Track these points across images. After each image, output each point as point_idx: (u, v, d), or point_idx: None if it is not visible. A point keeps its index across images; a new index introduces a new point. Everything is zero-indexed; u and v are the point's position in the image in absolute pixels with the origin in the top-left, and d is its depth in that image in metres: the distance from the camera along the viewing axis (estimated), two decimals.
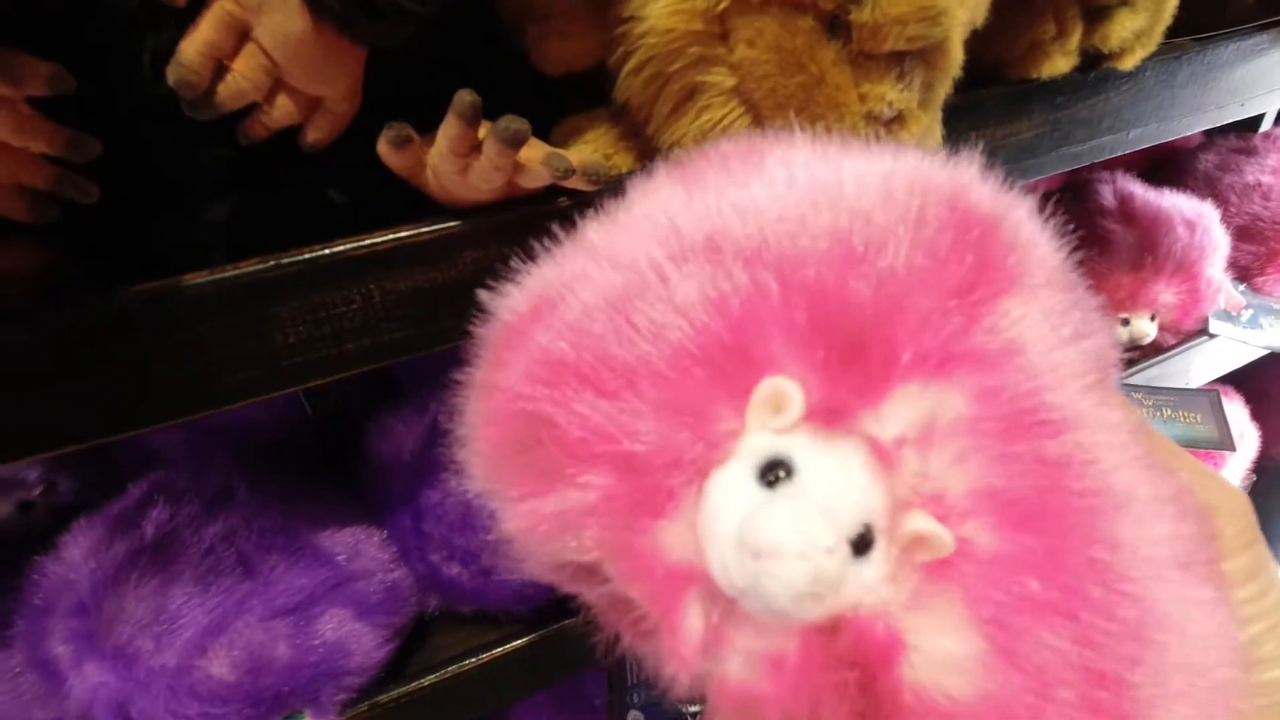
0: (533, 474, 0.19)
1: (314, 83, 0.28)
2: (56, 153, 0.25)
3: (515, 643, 0.50)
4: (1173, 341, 0.71)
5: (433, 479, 0.48)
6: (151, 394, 0.31)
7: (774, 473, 0.17)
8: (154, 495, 0.45)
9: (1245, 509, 0.23)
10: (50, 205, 0.27)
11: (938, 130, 0.39)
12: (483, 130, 0.30)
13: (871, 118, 0.33)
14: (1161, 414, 0.61)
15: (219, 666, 0.41)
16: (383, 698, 0.47)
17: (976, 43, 0.42)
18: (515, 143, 0.29)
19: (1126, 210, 0.70)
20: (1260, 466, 0.91)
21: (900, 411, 0.18)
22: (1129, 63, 0.46)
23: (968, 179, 0.20)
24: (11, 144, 0.25)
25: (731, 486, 0.18)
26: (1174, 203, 0.71)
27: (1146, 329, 0.68)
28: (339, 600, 0.45)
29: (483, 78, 0.35)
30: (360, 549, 0.47)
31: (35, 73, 0.24)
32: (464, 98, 0.28)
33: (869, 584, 0.17)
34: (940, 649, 0.17)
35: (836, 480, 0.17)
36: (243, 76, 0.26)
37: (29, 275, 0.29)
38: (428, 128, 0.31)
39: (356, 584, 0.46)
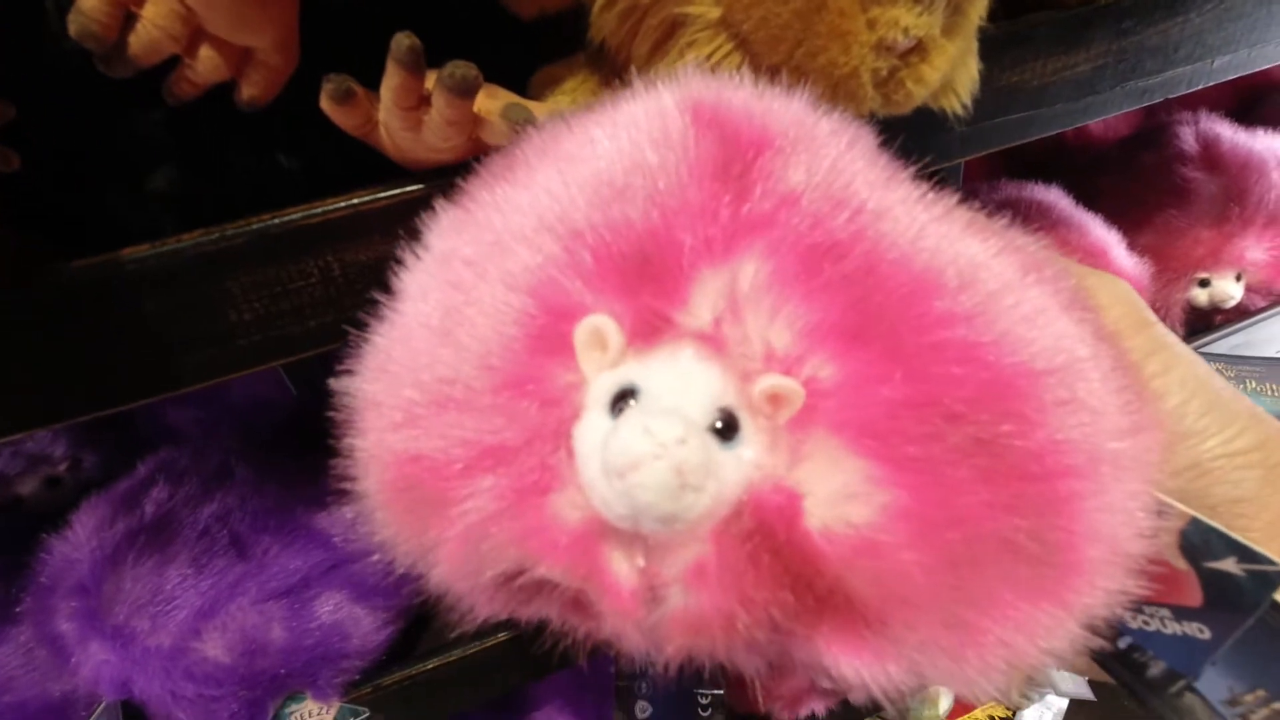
0: (432, 513, 0.19)
1: (238, 31, 0.25)
2: None
3: (519, 629, 0.48)
4: (1262, 304, 0.63)
5: None
6: (101, 377, 0.29)
7: (623, 402, 0.18)
8: (155, 475, 0.45)
9: (1129, 294, 0.25)
10: None
11: (972, 64, 0.34)
12: (431, 80, 0.27)
13: (883, 48, 0.28)
14: (1245, 386, 0.54)
15: (213, 648, 0.40)
16: (386, 680, 0.46)
17: None
18: (465, 91, 0.26)
19: (1211, 155, 0.61)
20: None
21: (705, 297, 0.19)
22: None
23: (686, 81, 0.21)
24: None
25: (591, 431, 0.18)
26: (1269, 145, 0.62)
27: (1231, 290, 0.60)
28: (335, 582, 0.44)
29: (449, 27, 0.32)
30: (358, 530, 0.46)
31: None
32: (401, 41, 0.25)
33: (753, 461, 0.18)
34: (829, 486, 0.17)
35: (673, 381, 0.18)
36: (154, 25, 0.24)
37: None
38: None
39: (353, 566, 0.45)
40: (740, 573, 0.17)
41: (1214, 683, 0.22)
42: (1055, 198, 0.56)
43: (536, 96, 0.33)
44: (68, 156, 0.28)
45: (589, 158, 0.20)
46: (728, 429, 0.18)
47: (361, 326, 0.33)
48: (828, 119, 0.22)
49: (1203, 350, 0.60)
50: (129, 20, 0.24)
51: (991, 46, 0.35)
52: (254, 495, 0.44)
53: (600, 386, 0.19)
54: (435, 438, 0.19)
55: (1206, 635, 0.22)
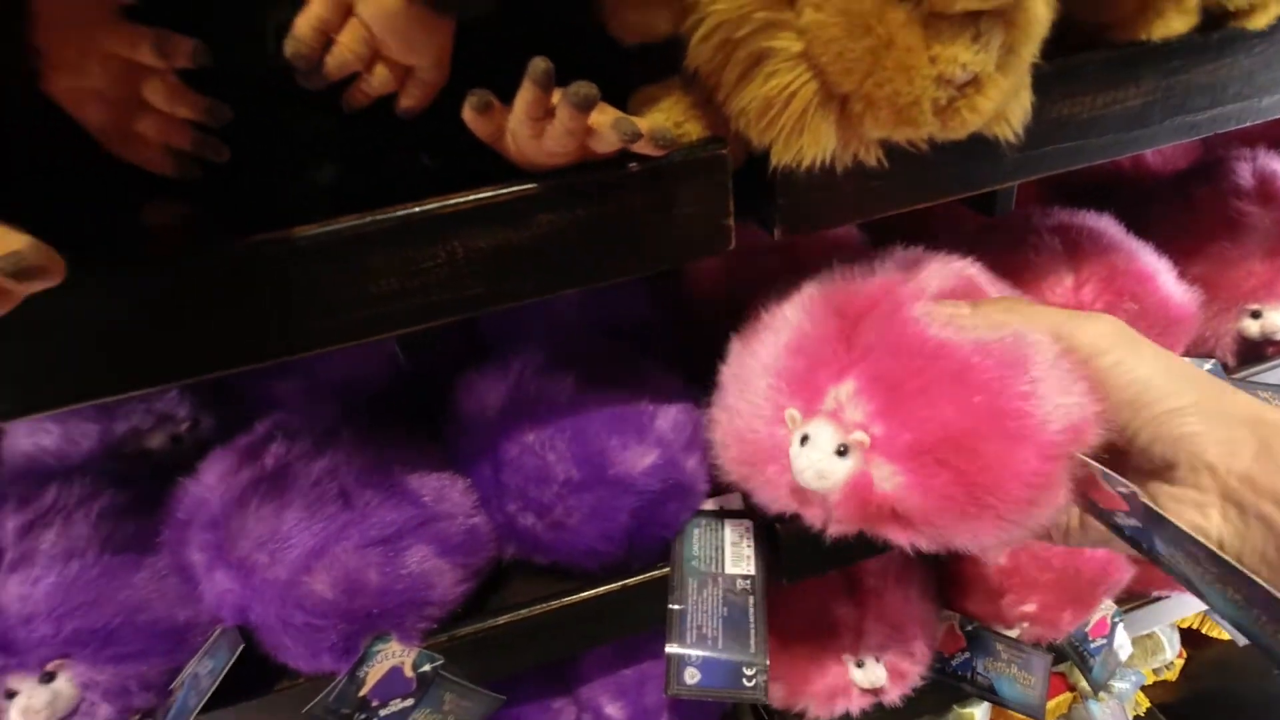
0: (754, 471, 0.45)
1: (407, 53, 0.31)
2: (198, 117, 0.30)
3: (583, 594, 0.53)
4: None
5: (512, 433, 0.52)
6: (266, 333, 0.35)
7: (803, 442, 0.40)
8: (274, 432, 0.51)
9: (1107, 324, 0.39)
10: (192, 164, 0.31)
11: (1025, 97, 0.38)
12: (557, 96, 0.32)
13: (944, 81, 0.32)
14: None
15: (321, 584, 0.46)
16: (460, 631, 0.51)
17: (1078, 3, 0.40)
18: (585, 106, 0.31)
19: (1267, 191, 0.63)
20: None
21: (832, 397, 0.40)
22: (1260, 21, 0.42)
23: (821, 282, 0.45)
24: (163, 110, 0.29)
25: (794, 451, 0.41)
26: None
27: None
28: (424, 537, 0.49)
29: (562, 48, 0.37)
30: (445, 493, 0.51)
31: (181, 49, 0.28)
32: (538, 64, 0.30)
33: (852, 466, 0.39)
34: (883, 473, 0.38)
35: (820, 434, 0.40)
36: (347, 48, 0.30)
37: (176, 229, 0.34)
38: (511, 96, 0.34)
39: (440, 524, 0.50)
40: (856, 504, 0.39)
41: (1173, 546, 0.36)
42: (1105, 224, 0.58)
43: (635, 113, 0.39)
44: (255, 152, 0.34)
45: (781, 329, 0.43)
46: (843, 452, 0.39)
47: (476, 304, 0.38)
48: (909, 283, 0.42)
49: (1252, 380, 0.61)
50: (327, 45, 0.30)
51: (1044, 80, 0.39)
52: (358, 454, 0.50)
53: (795, 435, 0.41)
54: (755, 442, 0.43)
55: (1139, 524, 0.36)
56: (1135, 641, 1.00)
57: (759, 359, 0.43)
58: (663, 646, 0.67)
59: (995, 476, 0.35)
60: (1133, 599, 0.83)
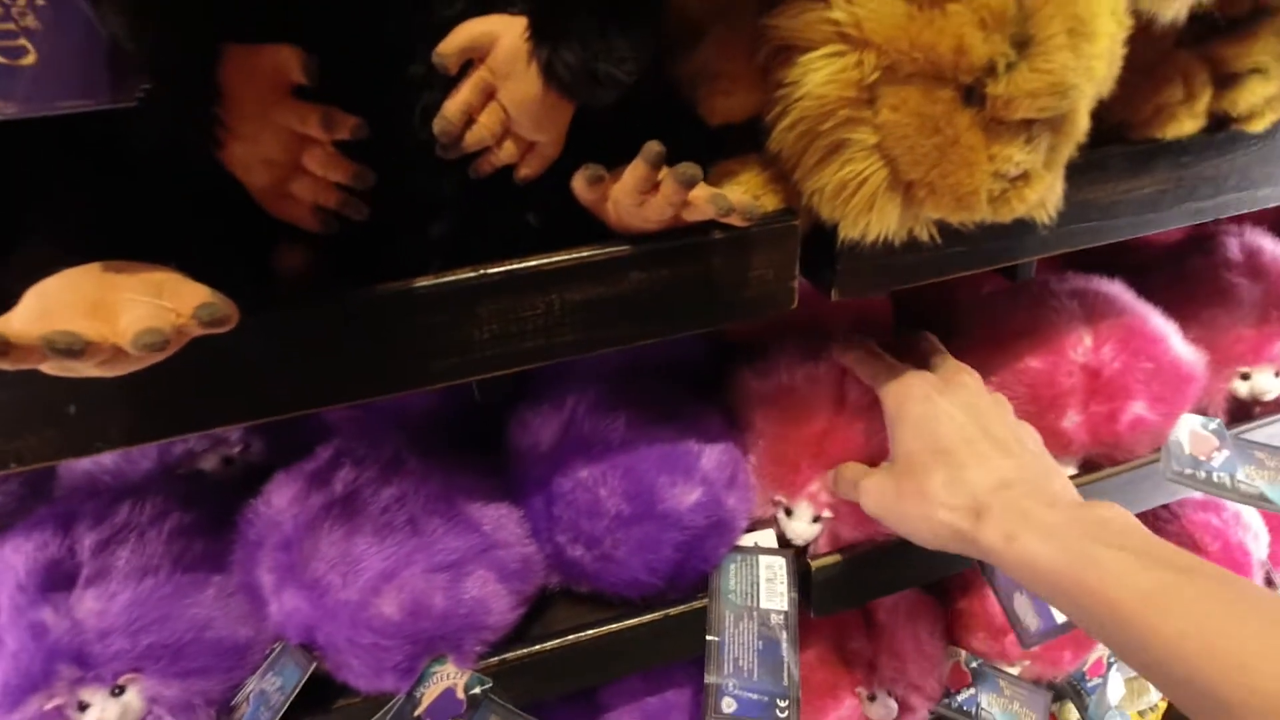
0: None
1: (535, 131, 0.35)
2: (347, 181, 0.33)
3: (629, 622, 0.55)
4: None
5: (566, 468, 0.55)
6: (384, 371, 0.38)
7: (788, 512, 0.59)
8: (340, 459, 0.54)
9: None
10: (334, 220, 0.35)
11: (1059, 187, 0.43)
12: (663, 173, 0.36)
13: (998, 176, 0.37)
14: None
15: (389, 606, 0.48)
16: (510, 655, 0.53)
17: (1102, 105, 0.45)
18: (690, 184, 0.35)
19: (1254, 264, 0.69)
20: None
21: (806, 489, 0.57)
22: (1259, 125, 0.48)
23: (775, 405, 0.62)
24: (318, 174, 0.33)
25: (781, 518, 0.60)
26: None
27: (1268, 385, 0.67)
28: (484, 564, 0.52)
29: (653, 124, 0.41)
30: (503, 522, 0.54)
31: (345, 124, 0.32)
32: (652, 148, 0.34)
33: (822, 528, 0.58)
34: (843, 528, 0.58)
35: (800, 510, 0.58)
36: (485, 128, 0.33)
37: (302, 272, 0.37)
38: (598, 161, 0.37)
39: (498, 552, 0.52)
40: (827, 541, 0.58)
41: None
42: (1118, 290, 0.64)
43: (714, 184, 0.43)
44: (379, 208, 0.38)
45: (757, 439, 0.62)
46: (816, 519, 0.58)
47: (567, 350, 0.42)
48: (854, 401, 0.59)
49: (1242, 437, 0.67)
50: (468, 123, 0.34)
51: (1073, 169, 0.44)
52: (424, 483, 0.52)
53: (780, 512, 0.59)
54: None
55: None
56: (1125, 683, 1.04)
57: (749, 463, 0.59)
58: (687, 676, 0.70)
59: None
60: None
